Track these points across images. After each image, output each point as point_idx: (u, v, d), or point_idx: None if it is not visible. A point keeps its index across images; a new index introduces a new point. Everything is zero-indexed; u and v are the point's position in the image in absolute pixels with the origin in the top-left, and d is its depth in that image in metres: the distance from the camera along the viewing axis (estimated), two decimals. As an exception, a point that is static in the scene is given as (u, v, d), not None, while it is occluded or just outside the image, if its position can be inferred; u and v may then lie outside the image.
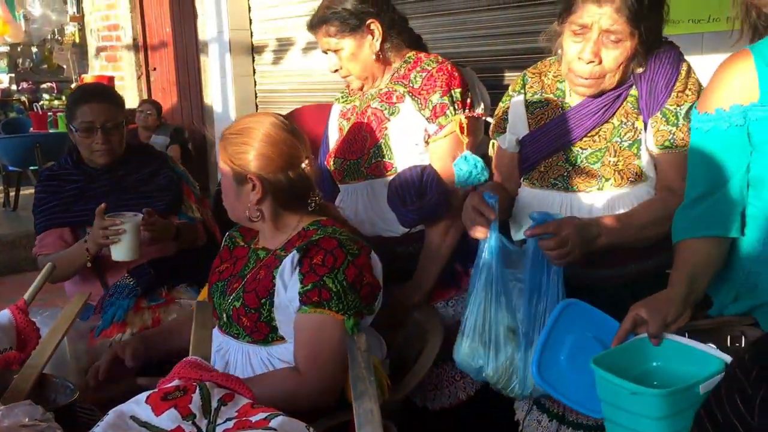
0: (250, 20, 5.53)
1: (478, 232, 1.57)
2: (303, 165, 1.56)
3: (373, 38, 1.89)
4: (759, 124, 1.34)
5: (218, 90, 5.73)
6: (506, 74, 3.50)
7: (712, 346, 1.39)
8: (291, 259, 1.49)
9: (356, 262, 1.49)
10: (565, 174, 1.63)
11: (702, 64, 1.71)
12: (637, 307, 1.35)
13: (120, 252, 2.00)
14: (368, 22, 1.88)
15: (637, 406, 1.20)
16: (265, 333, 1.53)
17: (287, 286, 1.49)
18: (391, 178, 1.88)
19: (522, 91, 1.72)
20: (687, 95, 1.55)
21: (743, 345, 1.38)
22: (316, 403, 1.44)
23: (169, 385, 1.05)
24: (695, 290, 1.38)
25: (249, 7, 5.51)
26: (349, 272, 1.47)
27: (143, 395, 1.03)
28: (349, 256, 1.49)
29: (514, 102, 1.72)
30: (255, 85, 5.64)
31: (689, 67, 1.60)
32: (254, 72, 5.62)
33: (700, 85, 1.58)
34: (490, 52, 3.67)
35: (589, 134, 1.61)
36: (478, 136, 1.91)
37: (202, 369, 1.08)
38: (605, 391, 1.27)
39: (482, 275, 1.56)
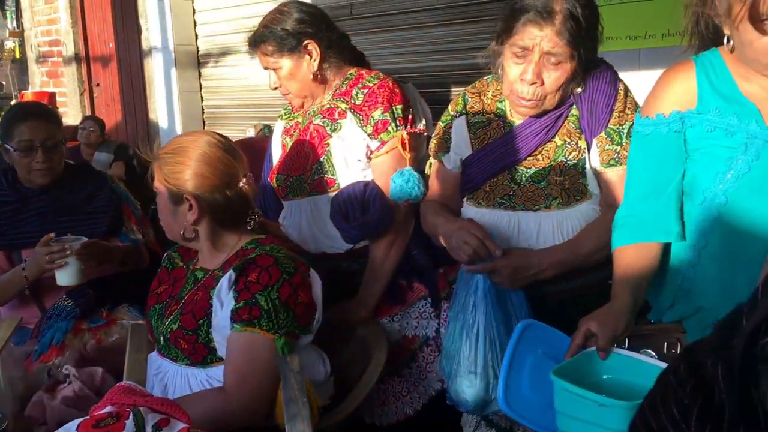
0: (196, 35, 5.46)
1: (471, 266, 1.58)
2: (241, 183, 1.55)
3: (311, 58, 1.90)
4: (694, 131, 1.39)
5: (164, 106, 5.64)
6: (452, 89, 3.56)
7: (651, 352, 1.43)
8: (228, 278, 1.48)
9: (292, 280, 1.48)
10: (511, 193, 1.65)
11: (639, 80, 1.77)
12: (587, 321, 1.38)
13: (66, 276, 1.98)
14: (305, 42, 1.89)
15: (601, 417, 1.21)
16: (203, 355, 1.50)
17: (224, 306, 1.47)
18: (334, 194, 1.89)
19: (464, 111, 1.73)
20: (627, 114, 1.60)
21: (678, 351, 1.43)
22: (244, 423, 1.42)
23: (102, 411, 1.02)
24: (639, 299, 1.42)
25: (195, 22, 5.45)
26: (283, 291, 1.45)
27: (74, 423, 1.00)
28: (285, 274, 1.47)
29: (457, 123, 1.74)
30: (202, 101, 5.57)
31: (625, 87, 1.65)
32: (201, 87, 5.55)
33: (636, 104, 1.63)
34: (435, 68, 3.73)
35: (532, 154, 1.64)
36: (420, 151, 1.93)
37: (136, 394, 1.05)
38: (565, 403, 1.28)
39: (477, 310, 1.57)
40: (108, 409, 1.02)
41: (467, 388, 1.55)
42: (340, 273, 1.94)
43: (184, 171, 1.51)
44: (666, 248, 1.46)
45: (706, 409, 0.88)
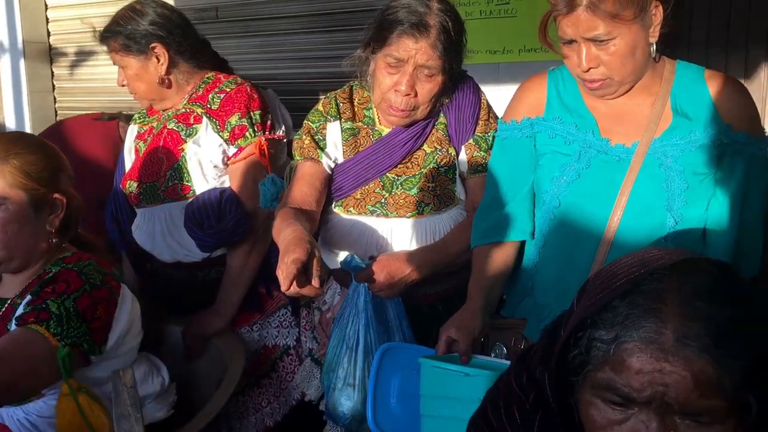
0: (48, 32, 5.08)
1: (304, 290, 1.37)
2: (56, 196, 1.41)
3: (158, 62, 1.84)
4: (540, 137, 1.50)
5: (11, 106, 5.19)
6: (317, 97, 3.55)
7: (503, 347, 1.51)
8: (24, 305, 1.34)
9: (94, 293, 1.35)
10: (383, 201, 1.66)
11: (498, 93, 1.85)
12: (446, 329, 1.41)
13: None
14: (153, 45, 1.83)
15: (466, 389, 1.25)
16: None
17: None
18: (188, 202, 1.82)
19: (337, 116, 1.71)
20: (491, 123, 1.67)
21: (523, 346, 1.51)
22: None
23: None
24: (492, 298, 1.48)
25: (47, 18, 5.07)
26: (81, 301, 1.32)
27: None
28: (87, 285, 1.35)
29: (331, 127, 1.70)
30: (55, 102, 5.19)
31: (485, 97, 1.72)
32: (54, 88, 5.17)
33: (496, 114, 1.70)
34: (301, 75, 3.72)
35: (402, 162, 1.66)
36: (279, 158, 1.91)
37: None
38: (432, 383, 1.32)
39: (359, 322, 1.56)
40: None
41: (345, 401, 1.55)
42: (196, 282, 1.88)
43: None
44: (522, 247, 1.55)
45: (547, 417, 0.93)
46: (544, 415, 0.92)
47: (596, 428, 0.80)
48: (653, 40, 1.37)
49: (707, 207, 1.42)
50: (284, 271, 1.27)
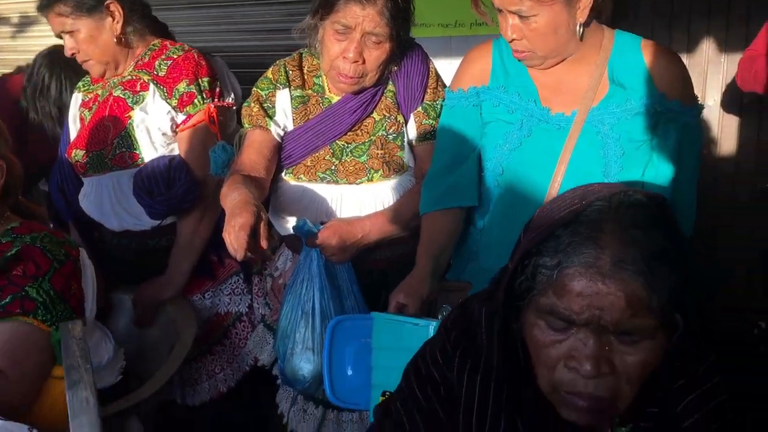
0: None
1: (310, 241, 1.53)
2: None
3: (114, 20, 1.80)
4: (486, 105, 1.53)
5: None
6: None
7: (449, 307, 1.55)
8: None
9: (63, 270, 1.34)
10: (333, 168, 1.67)
11: (450, 67, 1.87)
12: (396, 294, 1.45)
13: None
14: (107, 2, 1.79)
15: (415, 340, 1.27)
16: None
17: None
18: (137, 169, 1.81)
19: (287, 83, 1.71)
20: (439, 91, 1.70)
21: None
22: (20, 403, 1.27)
23: None
24: (441, 263, 1.52)
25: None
26: (55, 281, 1.32)
27: None
28: (55, 263, 1.34)
29: (281, 94, 1.71)
30: (-5, 73, 4.99)
31: (434, 65, 1.75)
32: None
33: (444, 83, 1.73)
34: (253, 47, 3.67)
35: (352, 129, 1.68)
36: (229, 125, 1.90)
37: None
38: (383, 336, 1.37)
39: (313, 286, 1.58)
40: None
41: (305, 364, 1.57)
42: (146, 251, 1.87)
43: None
44: (468, 213, 1.59)
45: (469, 349, 0.99)
46: (464, 351, 0.99)
47: (539, 347, 0.87)
48: (581, 20, 1.40)
49: (643, 173, 1.48)
50: (234, 238, 1.29)
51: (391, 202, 1.68)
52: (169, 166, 1.77)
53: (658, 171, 1.48)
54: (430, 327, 1.31)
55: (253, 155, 1.64)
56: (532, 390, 0.92)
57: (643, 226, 0.83)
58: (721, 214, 3.23)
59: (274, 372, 1.80)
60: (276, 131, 1.69)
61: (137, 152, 1.82)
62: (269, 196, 1.73)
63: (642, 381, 0.86)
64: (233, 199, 1.39)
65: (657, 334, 0.84)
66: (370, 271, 1.68)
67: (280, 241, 1.78)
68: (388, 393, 1.31)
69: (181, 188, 1.76)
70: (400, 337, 1.36)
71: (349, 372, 1.48)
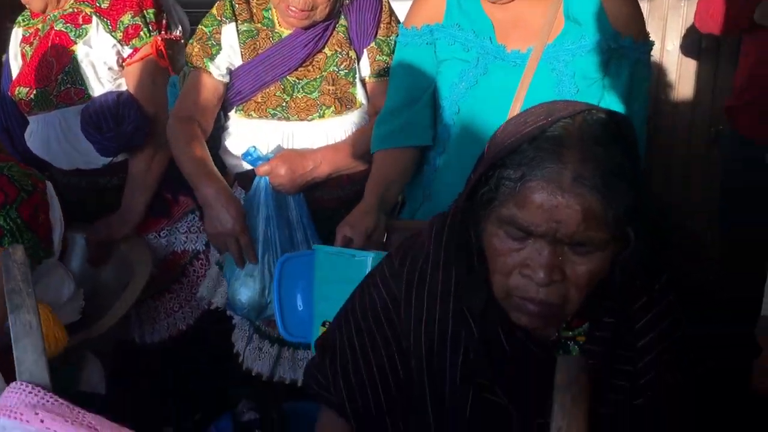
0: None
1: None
2: None
3: None
4: (440, 44, 1.52)
5: None
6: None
7: None
8: None
9: (31, 200, 1.36)
10: (284, 104, 1.65)
11: (404, 2, 1.83)
12: (341, 227, 1.46)
13: None
14: None
15: (355, 271, 1.31)
16: None
17: None
18: (84, 105, 1.75)
19: (233, 17, 1.66)
20: (392, 26, 1.67)
21: None
22: None
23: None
24: (387, 199, 1.52)
25: None
26: (23, 210, 1.34)
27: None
28: (23, 192, 1.35)
29: (226, 30, 1.67)
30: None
31: (387, 0, 1.71)
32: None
33: (398, 19, 1.70)
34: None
35: (303, 65, 1.65)
36: (178, 59, 1.84)
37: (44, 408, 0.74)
38: (324, 268, 1.39)
39: (259, 214, 1.58)
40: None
41: (244, 290, 1.58)
42: (98, 189, 1.84)
43: None
44: (419, 152, 1.58)
45: (417, 262, 1.02)
46: (411, 266, 1.03)
47: (497, 255, 0.92)
48: None
49: None
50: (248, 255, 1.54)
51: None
52: (118, 102, 1.72)
53: (611, 108, 1.48)
54: (369, 259, 1.33)
55: (194, 96, 1.64)
56: (480, 298, 0.96)
57: (603, 143, 0.86)
58: (678, 159, 3.29)
59: (228, 312, 1.81)
60: (217, 72, 1.67)
61: (83, 88, 1.77)
62: (220, 133, 1.71)
63: (589, 289, 0.91)
64: (205, 183, 1.55)
65: (608, 247, 0.88)
66: (322, 209, 1.68)
67: (233, 180, 1.77)
68: (328, 323, 1.34)
69: (130, 125, 1.72)
70: (339, 269, 1.37)
71: (300, 307, 1.49)
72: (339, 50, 1.66)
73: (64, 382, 1.43)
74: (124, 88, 1.80)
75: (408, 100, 1.55)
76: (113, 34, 1.75)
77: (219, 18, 1.67)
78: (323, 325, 1.37)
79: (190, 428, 1.45)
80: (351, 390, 1.03)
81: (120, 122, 1.72)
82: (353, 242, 1.44)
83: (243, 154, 1.58)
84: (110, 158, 1.79)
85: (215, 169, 1.61)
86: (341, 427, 1.05)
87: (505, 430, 0.97)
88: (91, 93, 1.77)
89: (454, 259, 0.99)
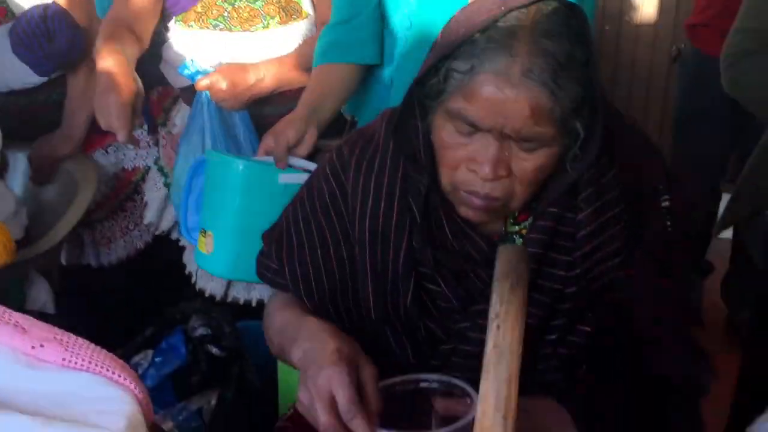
0: None
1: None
2: None
3: None
4: None
5: None
6: None
7: None
8: None
9: None
10: (225, 14, 1.58)
11: None
12: (266, 136, 1.41)
13: None
14: None
15: (242, 180, 1.32)
16: None
17: None
18: (10, 24, 1.65)
19: None
20: None
21: None
22: None
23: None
24: (319, 112, 1.45)
25: None
26: None
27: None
28: None
29: None
30: None
31: None
32: None
33: None
34: None
35: None
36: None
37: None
38: (211, 176, 1.37)
39: (205, 133, 1.53)
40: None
41: (194, 215, 1.51)
42: (38, 108, 1.77)
43: None
44: (366, 69, 1.52)
45: (365, 152, 1.03)
46: (359, 155, 1.02)
47: (445, 148, 0.91)
48: None
49: None
50: (115, 117, 1.34)
51: (290, 51, 1.62)
52: (45, 16, 1.62)
53: None
54: (250, 168, 1.32)
55: (127, 4, 1.54)
56: (423, 185, 0.96)
57: (555, 34, 0.84)
58: (640, 78, 3.29)
59: (173, 236, 1.79)
60: None
61: (4, 6, 1.66)
62: (159, 46, 1.64)
63: (536, 184, 0.91)
64: (109, 65, 1.34)
65: (555, 143, 0.88)
66: (266, 126, 1.62)
67: (176, 96, 1.70)
68: (205, 232, 1.30)
69: (63, 40, 1.63)
70: (219, 177, 1.35)
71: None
72: None
73: (12, 301, 1.41)
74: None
75: (351, 15, 1.48)
76: None
77: None
78: (202, 233, 1.35)
79: (140, 344, 1.44)
80: (302, 272, 1.03)
81: (52, 38, 1.63)
82: (274, 152, 1.39)
83: (178, 68, 1.51)
84: (47, 77, 1.71)
85: (124, 56, 1.44)
86: (296, 301, 1.05)
87: (444, 318, 0.99)
88: (13, 9, 1.67)
89: (401, 148, 0.98)
